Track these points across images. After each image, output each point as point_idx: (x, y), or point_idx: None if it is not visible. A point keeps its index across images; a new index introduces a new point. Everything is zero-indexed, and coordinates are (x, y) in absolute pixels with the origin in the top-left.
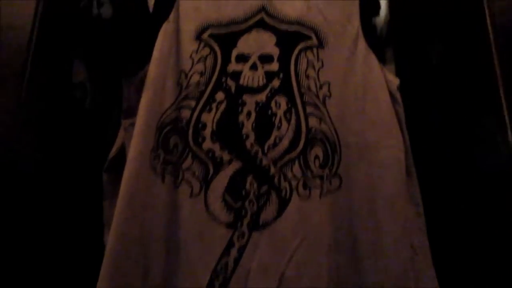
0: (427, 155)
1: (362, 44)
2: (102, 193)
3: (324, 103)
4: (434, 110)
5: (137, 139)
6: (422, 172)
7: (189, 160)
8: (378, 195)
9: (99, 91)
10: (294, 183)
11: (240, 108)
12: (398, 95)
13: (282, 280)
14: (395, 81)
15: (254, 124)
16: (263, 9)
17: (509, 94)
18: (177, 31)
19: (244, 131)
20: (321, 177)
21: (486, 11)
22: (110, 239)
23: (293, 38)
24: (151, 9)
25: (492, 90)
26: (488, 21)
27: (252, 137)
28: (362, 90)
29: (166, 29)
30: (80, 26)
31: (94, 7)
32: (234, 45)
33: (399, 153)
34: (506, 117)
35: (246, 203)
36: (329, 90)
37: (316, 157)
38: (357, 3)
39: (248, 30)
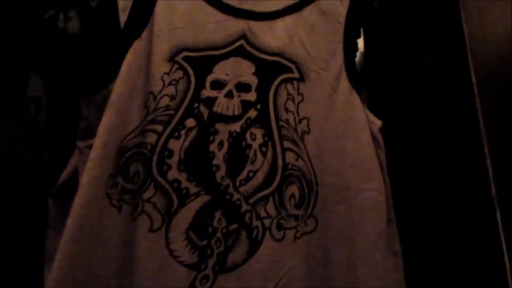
0: (407, 200)
1: (344, 82)
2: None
3: (302, 138)
4: (415, 152)
5: (93, 162)
6: (402, 217)
7: (151, 190)
8: (356, 241)
9: (57, 108)
10: (267, 222)
11: (211, 137)
12: (379, 137)
13: None
14: (377, 123)
15: (226, 155)
16: (243, 36)
17: (491, 135)
18: (149, 50)
19: (215, 162)
20: (296, 218)
21: (468, 51)
22: (51, 279)
23: (273, 68)
24: (122, 25)
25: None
26: (471, 64)
27: (223, 169)
28: (343, 129)
29: (137, 46)
30: (41, 39)
31: (60, 21)
32: (210, 70)
33: (379, 196)
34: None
35: (213, 242)
36: (308, 126)
37: (292, 195)
38: (341, 39)
39: (226, 56)
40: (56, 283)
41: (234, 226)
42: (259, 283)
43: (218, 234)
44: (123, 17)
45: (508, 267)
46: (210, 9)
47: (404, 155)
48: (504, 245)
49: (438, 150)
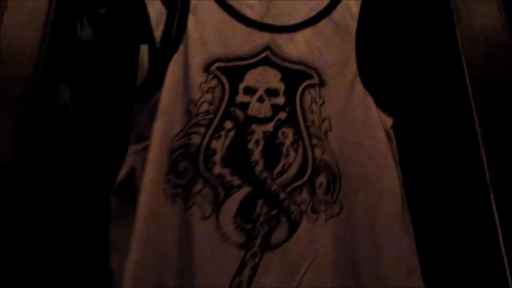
0: (415, 188)
1: (359, 85)
2: (109, 215)
3: (326, 136)
4: (420, 148)
5: (151, 163)
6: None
7: (199, 184)
8: (377, 222)
9: (84, 115)
10: (303, 207)
11: (248, 137)
12: (391, 133)
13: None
14: (389, 121)
15: (262, 152)
16: (268, 47)
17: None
18: (186, 62)
19: (253, 158)
20: (326, 203)
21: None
22: (130, 261)
23: (297, 76)
24: (157, 39)
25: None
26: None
27: (261, 164)
28: (360, 126)
29: (176, 60)
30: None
31: (79, 29)
32: (241, 78)
33: (394, 184)
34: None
35: (257, 225)
36: (330, 124)
37: (321, 184)
38: (353, 49)
39: (254, 65)
40: (135, 262)
41: (274, 211)
42: (298, 258)
43: (261, 219)
44: (157, 31)
45: (507, 266)
46: (236, 24)
47: (412, 150)
48: (501, 238)
49: (436, 146)
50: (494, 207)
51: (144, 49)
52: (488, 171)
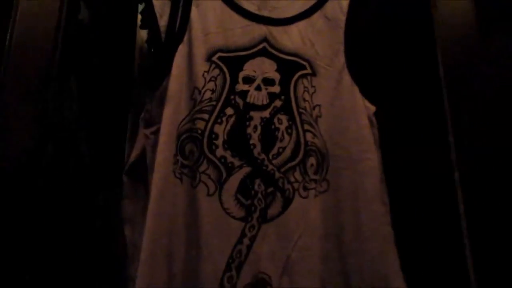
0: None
1: (346, 76)
2: (122, 193)
3: (316, 121)
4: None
5: (162, 146)
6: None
7: (204, 165)
8: (359, 197)
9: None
10: (296, 185)
11: (247, 122)
12: (374, 119)
13: (287, 262)
14: (372, 108)
15: (260, 136)
16: (265, 39)
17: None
18: (190, 52)
19: (252, 141)
20: (315, 181)
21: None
22: (147, 233)
23: (291, 66)
24: (162, 29)
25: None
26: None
27: (259, 147)
28: (346, 113)
29: (181, 49)
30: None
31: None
32: (241, 68)
33: (375, 164)
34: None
35: (255, 201)
36: (320, 111)
37: (312, 165)
38: (342, 41)
39: (252, 56)
40: (151, 233)
41: (270, 189)
42: (291, 229)
43: (259, 195)
44: (161, 21)
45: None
46: (236, 16)
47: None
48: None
49: (413, 133)
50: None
51: (142, 35)
52: (457, 164)
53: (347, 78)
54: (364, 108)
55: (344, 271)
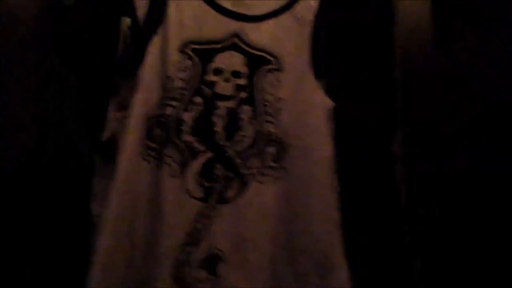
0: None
1: (309, 72)
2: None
3: (278, 113)
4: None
5: (132, 129)
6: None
7: (170, 149)
8: (312, 184)
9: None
10: (254, 171)
11: (214, 111)
12: (331, 114)
13: (240, 240)
14: (330, 104)
15: (224, 124)
16: (236, 34)
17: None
18: (164, 42)
19: (216, 128)
20: (273, 168)
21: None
22: (112, 206)
23: (259, 61)
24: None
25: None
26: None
27: (222, 134)
28: (307, 107)
29: (155, 40)
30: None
31: None
32: (211, 60)
33: (329, 156)
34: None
35: (215, 184)
36: (282, 104)
37: (271, 153)
38: (307, 39)
39: (223, 49)
40: (115, 208)
41: (230, 173)
42: (247, 211)
43: (219, 179)
44: (139, 10)
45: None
46: (211, 11)
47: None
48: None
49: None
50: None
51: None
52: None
53: (310, 75)
54: (323, 104)
55: (292, 250)
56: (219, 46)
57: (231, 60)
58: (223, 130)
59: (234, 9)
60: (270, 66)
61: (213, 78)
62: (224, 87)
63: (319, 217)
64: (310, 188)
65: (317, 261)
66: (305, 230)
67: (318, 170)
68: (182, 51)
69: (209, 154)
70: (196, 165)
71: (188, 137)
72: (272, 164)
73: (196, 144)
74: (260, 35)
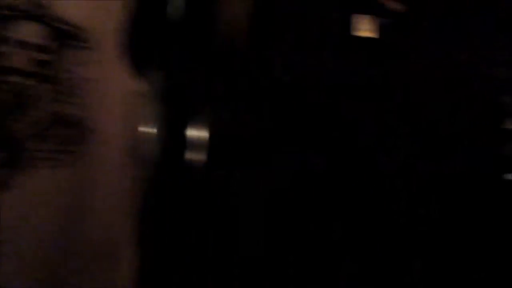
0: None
1: (121, 54)
2: None
3: (81, 94)
4: None
5: None
6: None
7: None
8: (108, 169)
9: None
10: (36, 154)
11: (5, 87)
12: (137, 97)
13: (19, 227)
14: (136, 86)
15: (14, 102)
16: (42, 5)
17: None
18: None
19: (4, 106)
20: (59, 152)
21: None
22: None
23: (66, 36)
24: None
25: None
26: None
27: (9, 112)
28: (111, 89)
29: None
30: None
31: None
32: (6, 27)
33: (127, 141)
34: None
35: None
36: (86, 85)
37: (64, 135)
38: (124, 20)
39: (24, 18)
40: None
41: (7, 155)
42: (31, 196)
43: (2, 162)
44: None
45: None
46: None
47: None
48: None
49: None
50: None
51: None
52: None
53: (119, 57)
54: (130, 87)
55: (73, 239)
56: (19, 14)
57: (33, 31)
58: (12, 108)
59: None
60: (78, 43)
61: (7, 49)
62: (20, 61)
63: (109, 205)
64: (105, 174)
65: (101, 248)
66: (92, 218)
67: (116, 157)
68: None
69: None
70: None
71: None
72: (59, 147)
73: None
74: (72, 8)
